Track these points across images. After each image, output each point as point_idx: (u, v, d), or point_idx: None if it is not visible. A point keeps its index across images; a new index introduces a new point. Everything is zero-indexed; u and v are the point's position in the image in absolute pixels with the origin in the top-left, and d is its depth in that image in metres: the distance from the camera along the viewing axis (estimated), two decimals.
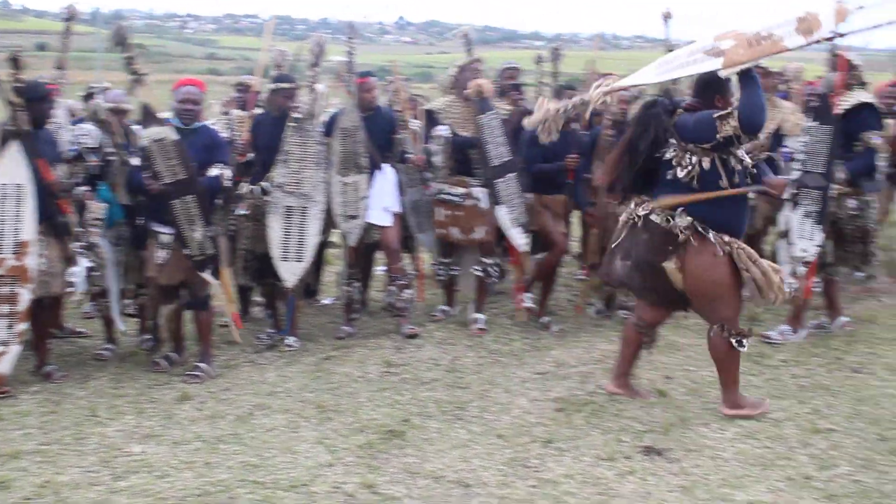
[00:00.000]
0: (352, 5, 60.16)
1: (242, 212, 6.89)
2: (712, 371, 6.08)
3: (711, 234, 5.16)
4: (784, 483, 4.53)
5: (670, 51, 6.10)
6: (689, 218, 5.16)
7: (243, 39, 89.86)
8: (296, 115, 6.72)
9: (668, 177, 5.25)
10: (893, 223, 9.97)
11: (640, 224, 5.35)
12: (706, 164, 5.13)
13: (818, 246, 6.71)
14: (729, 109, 5.03)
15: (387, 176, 7.09)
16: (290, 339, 6.88)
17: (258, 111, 7.14)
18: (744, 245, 5.25)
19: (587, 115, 7.26)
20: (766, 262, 5.26)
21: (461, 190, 7.18)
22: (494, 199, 7.13)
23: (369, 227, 7.09)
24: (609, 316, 7.62)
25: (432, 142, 7.23)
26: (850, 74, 6.80)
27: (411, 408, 5.63)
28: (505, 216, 7.16)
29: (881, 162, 6.94)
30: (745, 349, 5.36)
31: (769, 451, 4.91)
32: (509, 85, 8.16)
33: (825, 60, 6.85)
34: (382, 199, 7.04)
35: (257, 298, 7.70)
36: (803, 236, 6.70)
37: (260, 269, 7.00)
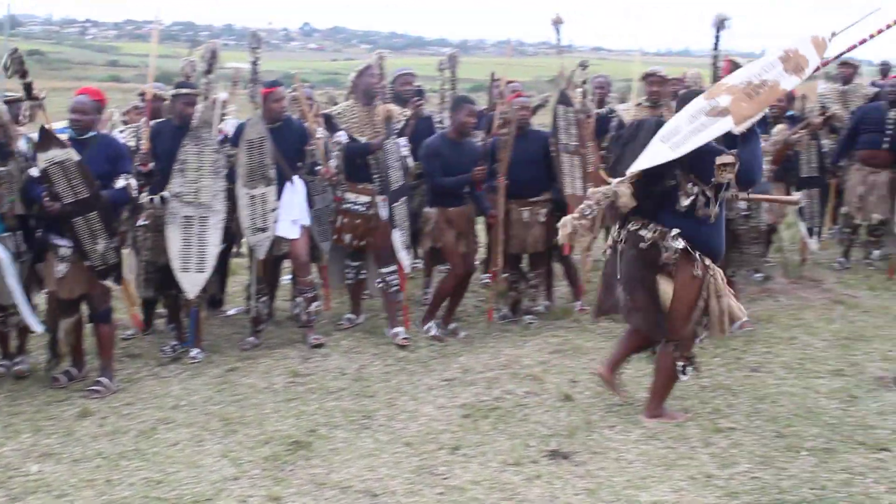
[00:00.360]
0: (256, 11, 59.43)
1: (143, 222, 6.75)
2: (617, 373, 6.21)
3: (698, 255, 5.20)
4: (686, 482, 4.63)
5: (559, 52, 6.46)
6: (683, 242, 5.16)
7: (145, 46, 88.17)
8: (192, 123, 6.61)
9: (663, 199, 5.23)
10: (790, 224, 10.27)
11: (627, 244, 5.34)
12: (709, 193, 5.15)
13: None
14: (731, 159, 5.05)
15: (296, 188, 6.99)
16: (194, 352, 6.76)
17: (159, 119, 6.98)
18: (718, 274, 5.29)
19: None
20: (729, 301, 5.30)
21: (365, 199, 7.17)
22: (391, 220, 7.14)
23: (278, 240, 6.99)
24: (515, 321, 7.67)
25: (331, 149, 7.18)
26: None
27: (318, 418, 5.59)
28: (398, 239, 7.16)
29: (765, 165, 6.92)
30: (686, 378, 5.42)
31: (672, 451, 5.01)
32: (407, 91, 8.19)
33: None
34: (291, 212, 6.94)
35: (160, 311, 7.54)
36: None
37: (161, 281, 6.87)
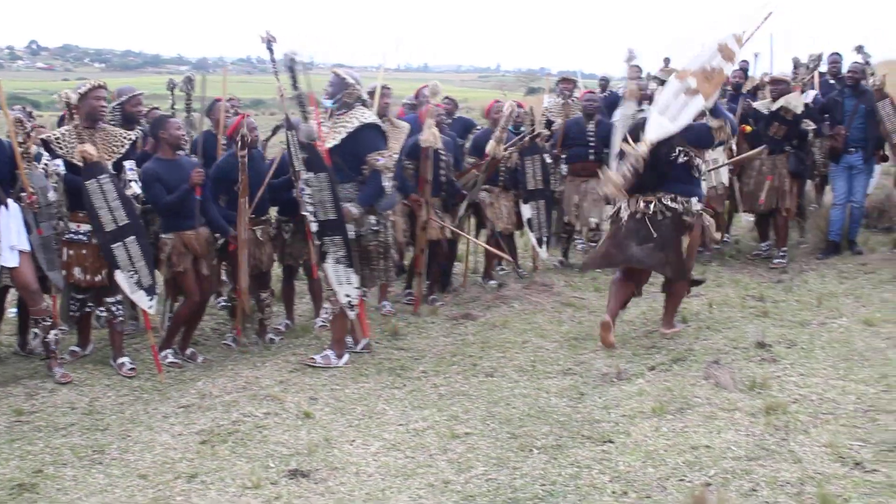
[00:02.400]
0: None
1: None
2: (357, 388, 6.33)
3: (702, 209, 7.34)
4: (425, 490, 4.76)
5: (275, 73, 6.94)
6: (700, 205, 7.25)
7: None
8: None
9: (681, 173, 7.07)
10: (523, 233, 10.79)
11: (653, 213, 7.07)
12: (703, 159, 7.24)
13: (357, 287, 6.89)
14: (721, 122, 7.04)
15: (11, 212, 6.50)
16: None
17: None
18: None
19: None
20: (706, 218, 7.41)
21: (87, 227, 6.80)
22: (112, 262, 6.70)
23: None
24: (258, 343, 7.62)
25: (48, 177, 6.77)
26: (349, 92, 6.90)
27: (44, 457, 5.31)
28: (124, 281, 6.74)
29: (388, 182, 6.98)
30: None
31: (411, 460, 5.14)
32: (139, 111, 7.95)
33: None
34: (8, 238, 6.47)
35: None
36: (342, 283, 6.84)
37: None
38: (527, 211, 9.67)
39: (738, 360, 6.60)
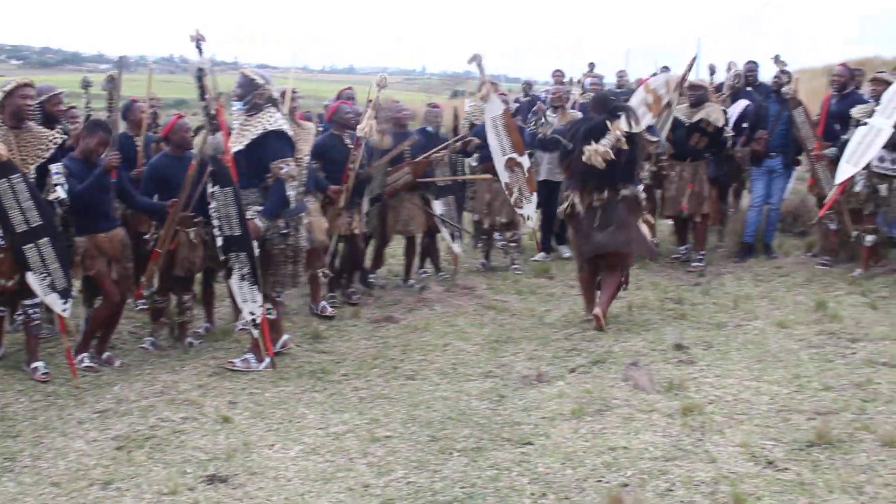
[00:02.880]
0: None
1: None
2: (277, 392, 6.28)
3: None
4: (344, 494, 4.75)
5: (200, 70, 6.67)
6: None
7: None
8: None
9: (628, 172, 7.85)
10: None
11: (613, 202, 7.78)
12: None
13: (261, 305, 6.79)
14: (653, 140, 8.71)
15: None
16: None
17: None
18: None
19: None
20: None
21: None
22: (23, 263, 6.46)
23: None
24: (176, 346, 7.51)
25: None
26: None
27: None
28: (36, 284, 6.51)
29: (293, 191, 6.79)
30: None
31: (331, 464, 5.12)
32: (59, 111, 7.73)
33: None
34: None
35: None
36: (246, 300, 6.75)
37: None
38: (438, 207, 9.71)
39: (656, 362, 6.73)
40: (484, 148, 9.87)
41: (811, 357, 6.76)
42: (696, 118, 9.99)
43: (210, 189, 6.59)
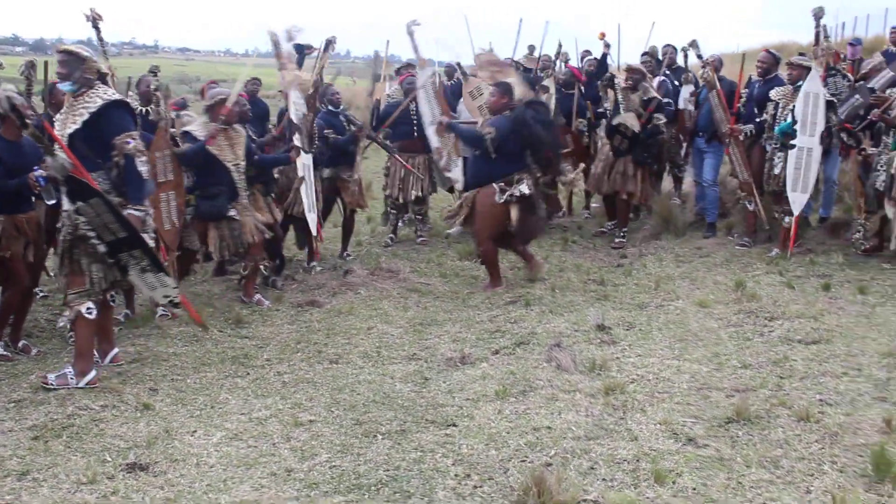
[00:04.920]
0: None
1: None
2: (198, 378, 6.24)
3: None
4: (267, 479, 4.72)
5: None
6: None
7: None
8: None
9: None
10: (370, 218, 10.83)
11: (533, 191, 8.48)
12: None
13: (175, 286, 6.55)
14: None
15: None
16: None
17: None
18: None
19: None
20: None
21: None
22: None
23: None
24: None
25: None
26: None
27: None
28: None
29: (144, 167, 6.15)
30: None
31: (253, 450, 5.09)
32: None
33: None
34: None
35: None
36: (155, 287, 6.35)
37: None
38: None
39: (578, 343, 6.83)
40: (403, 125, 10.13)
41: (730, 336, 6.92)
42: (615, 122, 10.24)
43: (70, 207, 5.99)
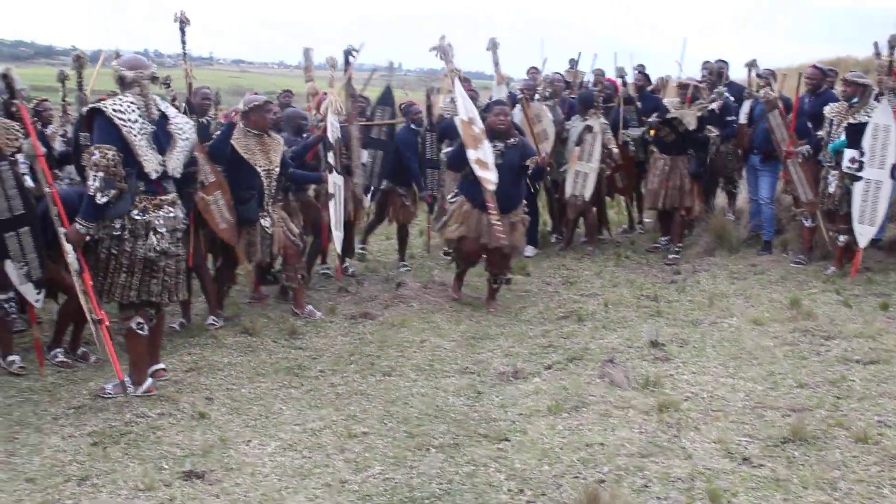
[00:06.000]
0: None
1: None
2: (253, 388, 6.30)
3: None
4: (322, 490, 4.76)
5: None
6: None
7: None
8: None
9: None
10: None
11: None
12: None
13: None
14: None
15: None
16: None
17: None
18: None
19: None
20: None
21: None
22: (3, 251, 6.46)
23: None
24: None
25: None
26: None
27: None
28: (14, 272, 6.52)
29: (99, 182, 5.72)
30: None
31: (308, 460, 5.13)
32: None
33: None
34: None
35: None
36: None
37: None
38: (364, 156, 9.99)
39: (632, 359, 6.79)
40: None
41: (786, 354, 6.84)
42: (670, 115, 10.14)
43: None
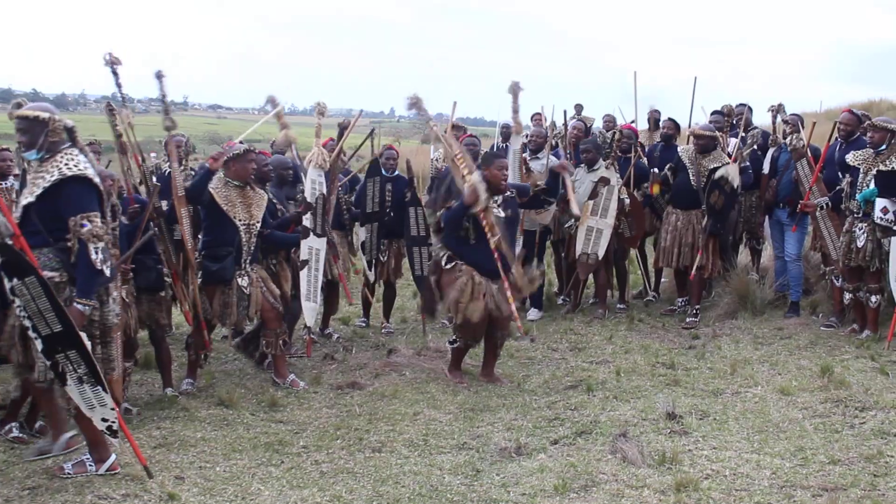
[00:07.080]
0: None
1: None
2: (229, 466, 6.24)
3: None
4: None
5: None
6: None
7: None
8: None
9: None
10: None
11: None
12: None
13: (113, 408, 6.21)
14: None
15: None
16: None
17: None
18: None
19: None
20: None
21: None
22: None
23: None
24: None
25: None
26: None
27: None
28: None
29: (99, 255, 5.75)
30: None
31: None
32: None
33: None
34: None
35: None
36: (93, 406, 5.94)
37: None
38: (362, 233, 10.33)
39: (646, 433, 6.76)
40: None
41: (816, 427, 6.81)
42: (717, 176, 10.15)
43: (8, 284, 5.57)
